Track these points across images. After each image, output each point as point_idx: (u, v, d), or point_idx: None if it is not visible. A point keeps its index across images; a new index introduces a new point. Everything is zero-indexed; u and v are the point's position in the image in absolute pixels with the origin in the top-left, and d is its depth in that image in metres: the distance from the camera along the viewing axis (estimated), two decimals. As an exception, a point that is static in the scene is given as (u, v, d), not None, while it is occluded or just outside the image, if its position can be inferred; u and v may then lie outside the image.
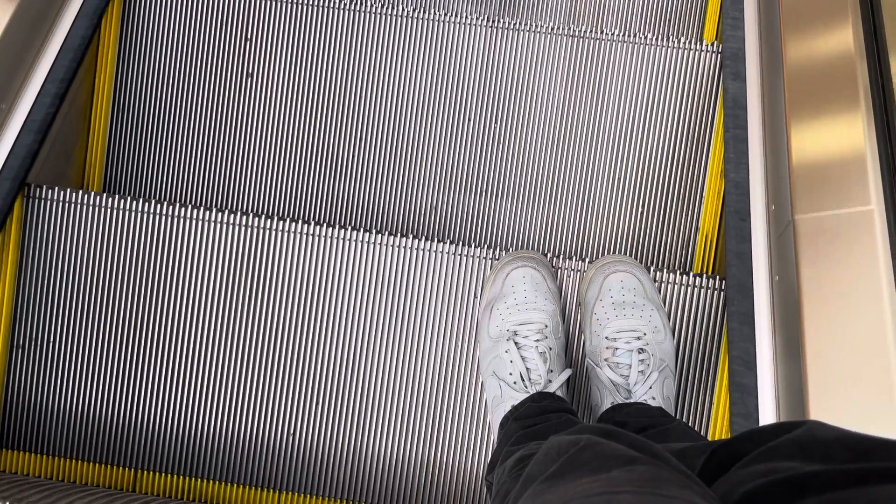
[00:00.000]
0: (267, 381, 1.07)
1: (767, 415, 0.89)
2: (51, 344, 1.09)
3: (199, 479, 1.08)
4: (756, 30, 1.12)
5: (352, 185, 1.27)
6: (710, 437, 1.00)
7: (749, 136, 1.01)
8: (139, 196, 1.15)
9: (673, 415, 0.92)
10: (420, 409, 1.05)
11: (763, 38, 1.11)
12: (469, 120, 1.26)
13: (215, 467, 1.07)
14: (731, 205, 1.00)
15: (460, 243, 1.06)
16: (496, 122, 1.26)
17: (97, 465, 1.09)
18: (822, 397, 0.79)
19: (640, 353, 0.92)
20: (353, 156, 1.27)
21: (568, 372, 0.94)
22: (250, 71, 1.29)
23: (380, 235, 1.06)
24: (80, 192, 1.10)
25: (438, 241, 1.06)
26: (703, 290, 1.01)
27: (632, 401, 0.90)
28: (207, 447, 1.07)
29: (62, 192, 1.10)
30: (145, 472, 1.08)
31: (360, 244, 1.07)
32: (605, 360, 0.93)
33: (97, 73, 1.29)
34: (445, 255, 1.05)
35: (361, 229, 1.07)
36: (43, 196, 1.10)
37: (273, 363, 1.07)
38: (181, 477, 1.08)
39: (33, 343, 1.09)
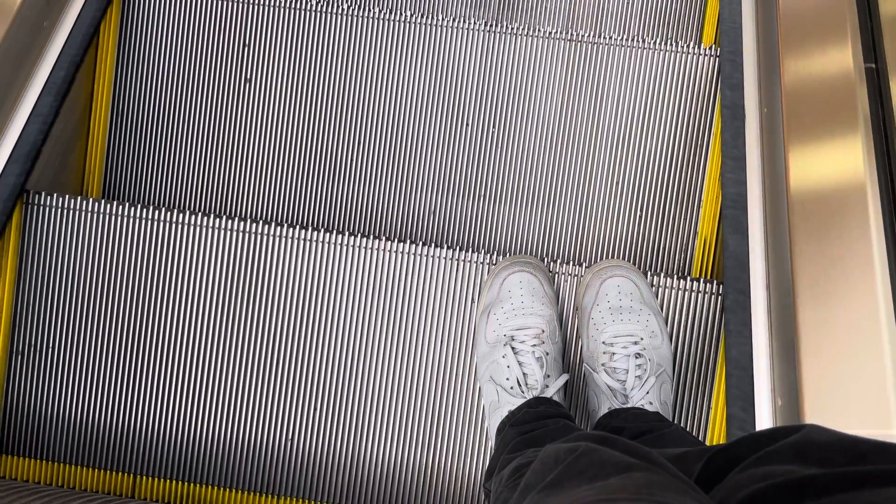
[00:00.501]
0: (265, 386, 1.07)
1: (764, 419, 0.89)
2: (50, 349, 1.09)
3: (197, 485, 1.08)
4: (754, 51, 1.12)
5: (350, 189, 1.27)
6: (707, 442, 1.00)
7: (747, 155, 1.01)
8: (138, 202, 1.15)
9: (671, 419, 0.92)
10: (417, 413, 1.05)
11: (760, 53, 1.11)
12: (467, 124, 1.26)
13: (213, 472, 1.07)
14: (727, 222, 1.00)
15: (457, 248, 1.06)
16: (494, 127, 1.26)
17: (96, 470, 1.09)
18: (817, 401, 0.78)
19: (637, 357, 0.92)
20: (352, 160, 1.27)
21: (565, 377, 0.94)
22: (248, 76, 1.29)
23: (377, 241, 1.07)
24: (79, 198, 1.10)
25: (435, 246, 1.06)
26: (700, 295, 1.01)
27: (629, 406, 0.90)
28: (205, 452, 1.08)
29: (61, 199, 1.10)
30: (144, 477, 1.08)
31: (358, 249, 1.07)
32: (602, 364, 0.93)
33: (96, 78, 1.30)
34: (443, 260, 1.06)
35: (359, 234, 1.07)
36: (42, 203, 1.11)
37: (272, 369, 1.07)
38: (179, 482, 1.08)
39: (32, 349, 1.10)
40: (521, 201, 1.25)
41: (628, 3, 1.47)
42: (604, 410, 0.92)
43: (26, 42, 1.14)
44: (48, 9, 1.17)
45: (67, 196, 1.11)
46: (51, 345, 1.10)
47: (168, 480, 1.08)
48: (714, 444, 0.97)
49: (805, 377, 0.80)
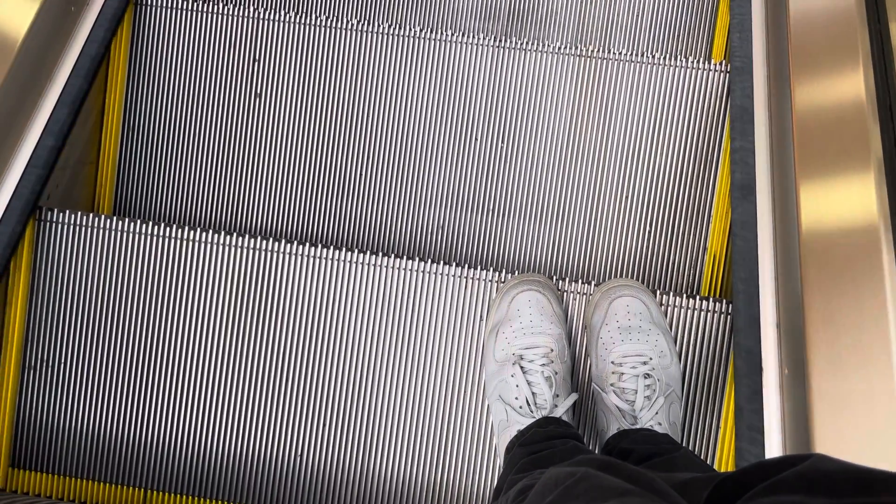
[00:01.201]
0: (276, 402, 1.08)
1: (774, 441, 0.88)
2: (61, 365, 1.10)
3: (208, 500, 1.08)
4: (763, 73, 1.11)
5: (360, 205, 1.28)
6: (716, 463, 0.99)
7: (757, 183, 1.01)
8: (149, 218, 1.16)
9: (679, 440, 0.92)
10: (425, 430, 1.05)
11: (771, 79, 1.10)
12: (476, 139, 1.26)
13: (224, 488, 1.08)
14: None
15: (466, 266, 1.06)
16: (503, 142, 1.26)
17: (108, 485, 1.10)
18: (827, 426, 0.78)
19: (646, 378, 0.92)
20: (361, 175, 1.28)
21: (574, 396, 0.94)
22: (259, 91, 1.30)
23: (386, 258, 1.07)
24: (91, 215, 1.11)
25: (444, 264, 1.06)
26: (709, 314, 1.01)
27: (638, 427, 0.90)
28: (217, 468, 1.08)
29: (73, 215, 1.11)
30: (155, 492, 1.09)
31: (366, 266, 1.07)
32: (611, 385, 0.93)
33: (107, 95, 1.31)
34: (451, 278, 1.06)
35: (368, 252, 1.08)
36: (54, 219, 1.11)
37: (281, 385, 1.08)
38: (191, 497, 1.09)
39: (44, 364, 1.11)
40: (530, 216, 1.25)
41: (637, 18, 1.47)
42: (613, 431, 0.92)
43: (38, 60, 1.15)
44: (59, 29, 1.18)
45: (79, 213, 1.11)
46: (62, 360, 1.10)
47: (178, 496, 1.09)
48: (723, 466, 0.97)
49: (814, 400, 0.80)
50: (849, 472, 0.50)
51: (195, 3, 1.31)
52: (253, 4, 1.53)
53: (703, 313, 1.01)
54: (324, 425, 1.07)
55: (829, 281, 0.85)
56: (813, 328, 0.83)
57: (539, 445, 0.89)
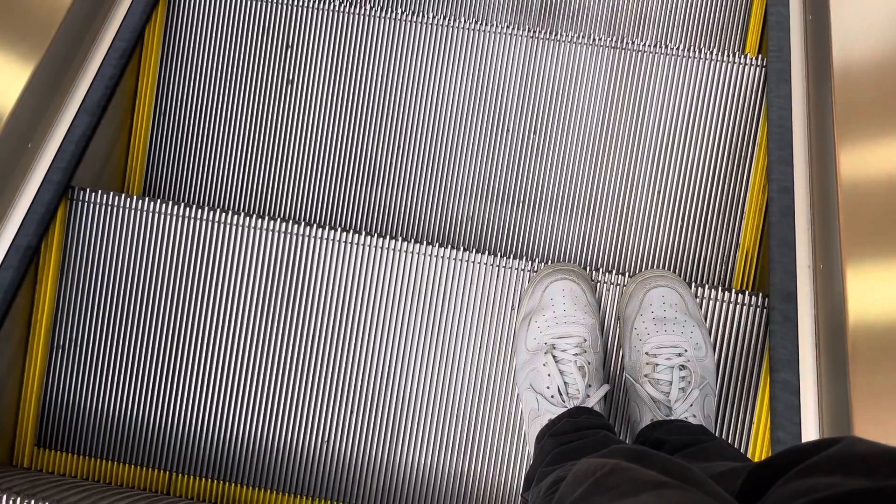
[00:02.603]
0: (302, 386, 1.07)
1: (810, 433, 0.87)
2: (89, 345, 1.10)
3: (232, 484, 1.08)
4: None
5: (390, 194, 1.27)
6: (750, 455, 0.98)
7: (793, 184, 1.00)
8: (178, 200, 1.16)
9: (713, 432, 0.91)
10: (455, 418, 1.05)
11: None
12: (508, 130, 1.26)
13: (249, 472, 1.08)
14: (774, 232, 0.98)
15: (499, 254, 1.05)
16: (535, 133, 1.25)
17: (134, 466, 1.10)
18: (867, 413, 0.77)
19: (680, 369, 0.91)
20: (392, 164, 1.27)
21: (606, 387, 0.93)
22: (291, 78, 1.30)
23: (418, 245, 1.06)
24: (123, 195, 1.11)
25: (477, 252, 1.06)
26: (744, 307, 1.00)
27: (672, 418, 0.89)
28: (242, 452, 1.08)
29: (105, 196, 1.11)
30: (180, 475, 1.09)
31: (399, 253, 1.07)
32: (646, 375, 0.92)
33: (139, 78, 1.31)
34: (484, 266, 1.05)
35: (400, 238, 1.07)
36: (86, 199, 1.12)
37: (308, 369, 1.07)
38: (215, 481, 1.08)
39: (73, 344, 1.11)
40: (560, 209, 1.24)
41: (670, 11, 1.46)
42: (646, 422, 0.91)
43: (74, 41, 1.15)
44: (94, 13, 1.19)
45: (111, 193, 1.12)
46: (91, 340, 1.10)
47: (203, 479, 1.08)
48: (757, 458, 0.96)
49: (854, 390, 0.79)
50: (886, 454, 0.49)
51: (229, -10, 1.32)
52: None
53: (737, 307, 1.00)
54: (351, 411, 1.06)
55: (870, 275, 0.84)
56: (853, 320, 0.82)
57: (570, 436, 0.88)
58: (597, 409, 0.92)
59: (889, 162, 0.86)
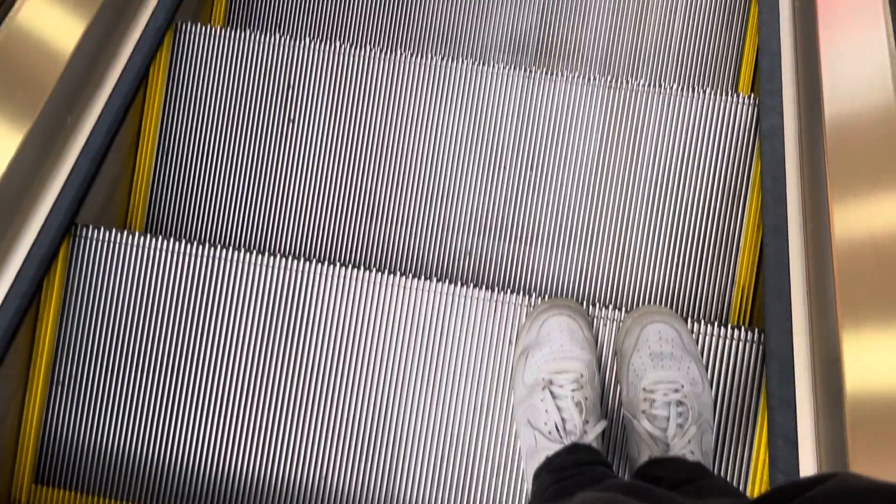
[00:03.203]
0: (301, 423, 1.07)
1: (809, 471, 0.87)
2: (90, 381, 1.11)
3: (230, 521, 1.08)
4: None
5: (389, 229, 1.28)
6: (749, 492, 0.98)
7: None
8: (181, 237, 1.18)
9: (711, 470, 0.91)
10: (452, 454, 1.05)
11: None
12: (505, 167, 1.27)
13: (247, 509, 1.07)
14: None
15: (496, 289, 1.06)
16: (532, 170, 1.27)
17: (132, 503, 1.09)
18: (864, 451, 0.77)
19: (678, 405, 0.91)
20: (392, 200, 1.29)
21: (603, 423, 0.93)
22: (292, 116, 1.32)
23: (416, 280, 1.07)
24: (125, 232, 1.13)
25: (474, 287, 1.06)
26: (741, 343, 1.00)
27: (670, 455, 0.89)
28: (242, 489, 1.08)
29: (107, 233, 1.13)
30: (177, 512, 1.08)
31: (396, 288, 1.08)
32: (643, 411, 0.92)
33: (143, 116, 1.33)
34: (481, 301, 1.06)
35: (398, 273, 1.08)
36: (88, 236, 1.13)
37: (309, 406, 1.08)
38: (213, 518, 1.08)
39: (73, 380, 1.11)
40: (557, 244, 1.25)
41: (664, 49, 1.49)
42: (644, 459, 0.91)
43: (79, 81, 1.17)
44: (99, 54, 1.21)
45: (114, 230, 1.13)
46: (91, 376, 1.11)
47: (201, 516, 1.08)
48: (756, 494, 0.95)
49: (849, 426, 0.79)
50: (879, 490, 0.50)
51: (232, 31, 1.34)
52: (288, 33, 1.56)
53: (734, 342, 1.01)
54: (350, 446, 1.06)
55: (864, 310, 0.84)
56: (848, 356, 0.82)
57: (568, 472, 0.89)
58: (594, 445, 0.92)
59: (881, 206, 0.88)
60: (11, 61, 1.07)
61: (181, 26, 1.35)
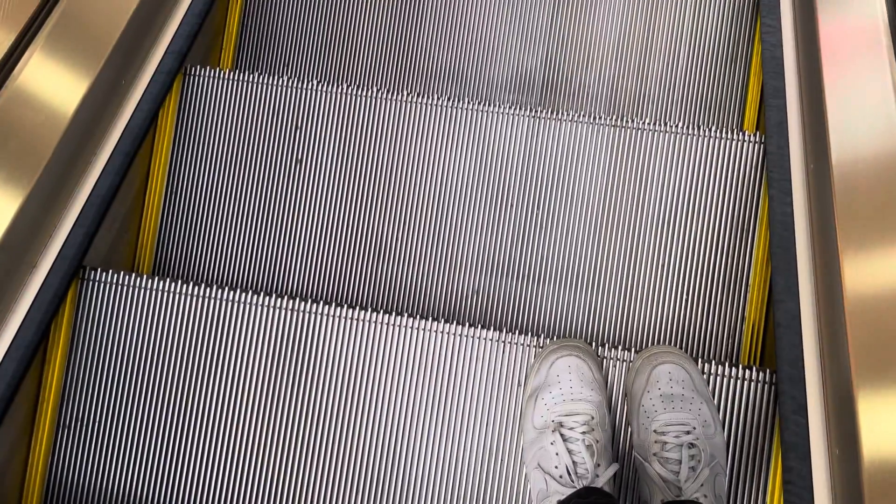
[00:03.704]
0: (309, 466, 1.06)
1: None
2: (97, 424, 1.10)
3: (236, 568, 1.06)
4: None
5: (396, 269, 1.28)
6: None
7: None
8: (188, 279, 1.18)
9: (725, 514, 0.89)
10: (460, 495, 1.03)
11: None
12: (512, 206, 1.28)
13: (253, 555, 1.06)
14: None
15: (504, 330, 1.06)
16: (539, 209, 1.27)
17: (136, 549, 1.08)
18: (880, 492, 0.76)
19: (690, 447, 0.90)
20: (399, 240, 1.29)
21: (615, 466, 0.92)
22: (299, 157, 1.33)
23: (423, 321, 1.07)
24: (133, 274, 1.13)
25: (482, 328, 1.06)
26: (752, 384, 0.99)
27: (683, 499, 0.87)
28: (246, 534, 1.06)
29: (115, 275, 1.13)
30: (183, 558, 1.07)
31: (404, 329, 1.07)
32: (654, 454, 0.91)
33: (152, 158, 1.34)
34: (489, 342, 1.05)
35: (405, 314, 1.08)
36: (96, 279, 1.13)
37: (315, 448, 1.06)
38: (219, 565, 1.06)
39: (80, 423, 1.11)
40: (565, 283, 1.25)
41: (669, 88, 1.50)
42: (656, 502, 0.89)
43: (90, 124, 1.19)
44: (109, 98, 1.23)
45: (121, 272, 1.13)
46: (97, 419, 1.10)
47: (207, 562, 1.06)
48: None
49: (866, 471, 0.78)
50: None
51: (240, 74, 1.36)
52: (297, 75, 1.58)
53: (745, 382, 1.00)
54: (356, 488, 1.05)
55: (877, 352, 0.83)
56: (862, 397, 0.81)
57: (580, 516, 0.87)
58: (606, 488, 0.91)
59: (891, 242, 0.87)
60: (24, 104, 1.09)
61: (191, 70, 1.37)
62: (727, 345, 1.19)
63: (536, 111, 1.29)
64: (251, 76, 1.36)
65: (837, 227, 0.92)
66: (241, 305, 1.11)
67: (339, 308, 1.09)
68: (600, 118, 1.28)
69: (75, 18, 1.18)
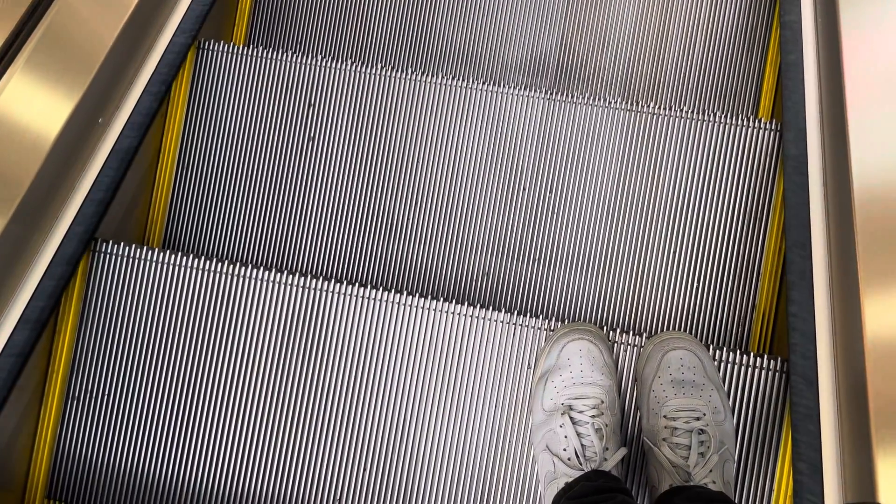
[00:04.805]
0: (317, 444, 1.07)
1: (834, 501, 0.86)
2: (106, 396, 1.10)
3: (242, 542, 1.07)
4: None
5: (408, 249, 1.28)
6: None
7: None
8: (198, 254, 1.18)
9: (733, 499, 0.90)
10: (469, 478, 1.04)
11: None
12: (524, 188, 1.27)
13: (260, 530, 1.06)
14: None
15: (514, 312, 1.06)
16: (551, 192, 1.27)
17: (143, 521, 1.08)
18: (891, 481, 0.76)
19: (699, 433, 0.90)
20: (410, 220, 1.29)
21: (623, 450, 0.92)
22: (312, 135, 1.32)
23: (436, 301, 1.07)
24: (145, 248, 1.13)
25: (494, 310, 1.06)
26: (763, 371, 0.99)
27: (691, 483, 0.87)
28: (253, 509, 1.07)
29: (127, 248, 1.13)
30: (190, 531, 1.08)
31: (414, 309, 1.07)
32: (664, 439, 0.91)
33: (164, 133, 1.34)
34: (500, 324, 1.05)
35: (417, 294, 1.08)
36: (108, 251, 1.13)
37: (324, 426, 1.07)
38: (225, 538, 1.07)
39: (89, 395, 1.11)
40: (576, 266, 1.24)
41: (684, 74, 1.49)
42: (665, 487, 0.89)
43: (103, 95, 1.18)
44: (121, 72, 1.22)
45: (133, 245, 1.13)
46: (107, 391, 1.11)
47: (213, 535, 1.07)
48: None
49: (877, 456, 0.78)
50: None
51: (254, 49, 1.35)
52: (311, 51, 1.57)
53: (756, 370, 0.99)
54: (365, 469, 1.05)
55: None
56: (874, 379, 0.81)
57: (587, 500, 0.87)
58: (614, 472, 0.91)
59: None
60: (50, 59, 1.08)
61: (204, 44, 1.36)
62: (737, 332, 1.19)
63: (550, 93, 1.28)
64: (264, 52, 1.35)
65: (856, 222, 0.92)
66: (251, 281, 1.11)
67: (349, 286, 1.09)
68: (614, 102, 1.27)
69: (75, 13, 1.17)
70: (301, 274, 1.10)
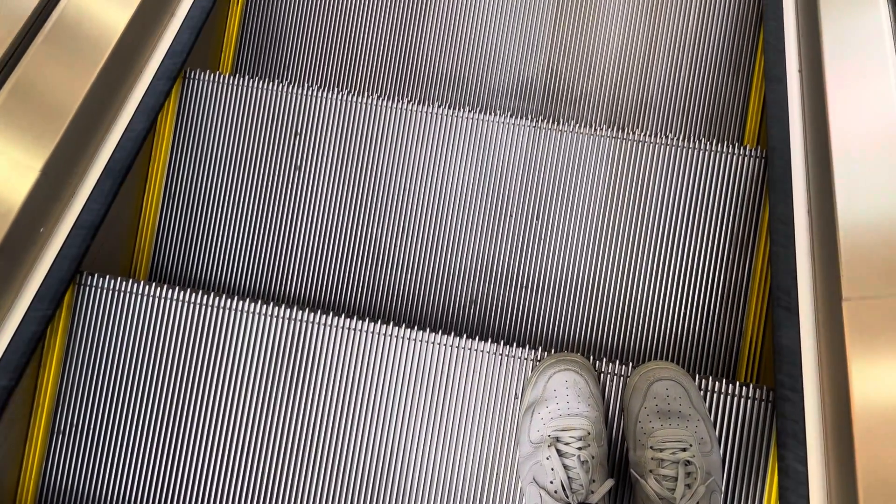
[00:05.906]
0: (304, 475, 1.06)
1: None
2: (92, 430, 1.10)
3: (229, 577, 1.06)
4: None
5: (395, 277, 1.28)
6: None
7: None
8: (185, 285, 1.17)
9: (720, 532, 0.89)
10: (457, 512, 1.03)
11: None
12: (511, 216, 1.27)
13: (246, 565, 1.05)
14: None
15: (501, 342, 1.05)
16: (538, 219, 1.27)
17: (128, 557, 1.07)
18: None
19: (686, 465, 0.90)
20: (397, 248, 1.29)
21: (610, 482, 0.92)
22: (298, 164, 1.32)
23: (421, 332, 1.07)
24: (130, 280, 1.12)
25: (480, 339, 1.06)
26: (750, 401, 0.99)
27: (678, 517, 0.87)
28: (240, 543, 1.06)
29: (112, 281, 1.12)
30: (176, 566, 1.07)
31: (401, 340, 1.07)
32: (650, 471, 0.91)
33: (151, 163, 1.34)
34: (486, 354, 1.05)
35: (404, 324, 1.07)
36: (93, 284, 1.13)
37: (310, 457, 1.06)
38: (211, 573, 1.06)
39: (74, 429, 1.10)
40: (563, 294, 1.24)
41: (670, 99, 1.49)
42: (652, 520, 0.89)
43: (88, 128, 1.18)
44: (108, 101, 1.22)
45: (119, 278, 1.13)
46: (92, 425, 1.10)
47: (199, 571, 1.06)
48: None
49: (861, 488, 0.78)
50: None
51: (240, 79, 1.36)
52: (297, 81, 1.58)
53: (743, 399, 0.99)
54: (351, 499, 1.05)
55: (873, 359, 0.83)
56: (859, 405, 0.81)
57: (574, 533, 0.87)
58: (601, 504, 0.91)
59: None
60: (30, 96, 1.08)
61: (190, 73, 1.36)
62: (725, 359, 1.19)
63: (536, 121, 1.29)
64: (251, 81, 1.35)
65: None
66: (238, 313, 1.10)
67: (335, 317, 1.08)
68: (601, 129, 1.27)
69: (74, 21, 1.17)
70: (287, 305, 1.10)
